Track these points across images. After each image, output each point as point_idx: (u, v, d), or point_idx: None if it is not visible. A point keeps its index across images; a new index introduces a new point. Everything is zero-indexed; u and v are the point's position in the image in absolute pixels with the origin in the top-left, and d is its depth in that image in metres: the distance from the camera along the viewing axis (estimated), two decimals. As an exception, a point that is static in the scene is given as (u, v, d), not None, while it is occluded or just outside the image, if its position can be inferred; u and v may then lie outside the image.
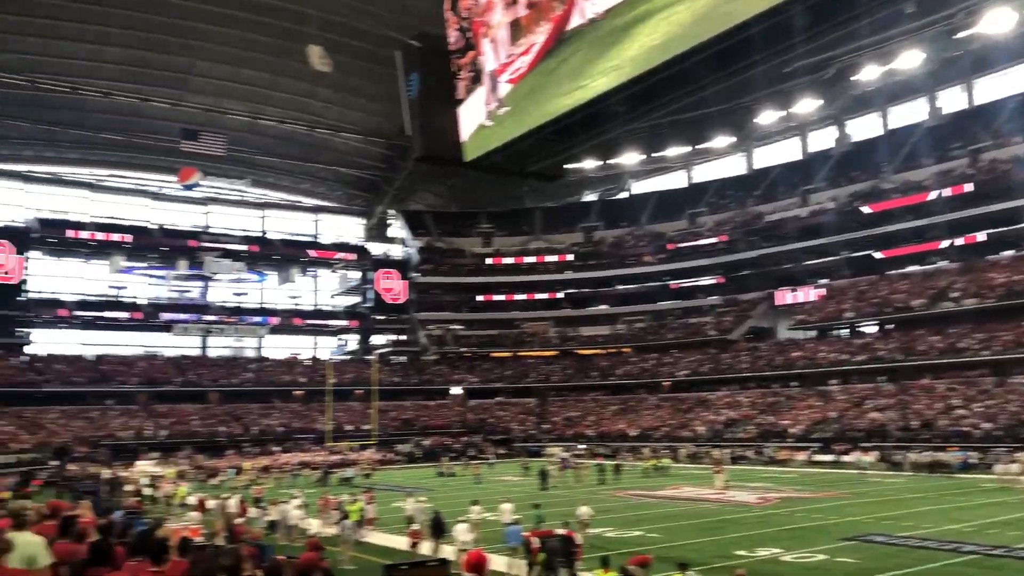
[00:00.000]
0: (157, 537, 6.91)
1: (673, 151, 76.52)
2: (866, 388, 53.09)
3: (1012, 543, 18.96)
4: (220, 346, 72.85)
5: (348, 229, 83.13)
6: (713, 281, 71.94)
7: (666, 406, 62.75)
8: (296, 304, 77.17)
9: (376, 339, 78.32)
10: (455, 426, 65.58)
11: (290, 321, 74.85)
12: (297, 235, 78.81)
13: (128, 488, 34.12)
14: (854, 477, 37.77)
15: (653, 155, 77.33)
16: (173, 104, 62.35)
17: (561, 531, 17.17)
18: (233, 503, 24.13)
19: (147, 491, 33.64)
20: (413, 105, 20.54)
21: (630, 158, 76.33)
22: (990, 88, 61.92)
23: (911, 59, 57.01)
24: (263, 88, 64.41)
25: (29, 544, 5.74)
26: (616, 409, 65.36)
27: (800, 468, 43.99)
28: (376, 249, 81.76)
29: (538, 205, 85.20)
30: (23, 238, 63.77)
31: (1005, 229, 54.20)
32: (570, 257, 77.36)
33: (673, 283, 73.69)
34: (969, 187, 54.84)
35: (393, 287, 77.06)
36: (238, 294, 72.86)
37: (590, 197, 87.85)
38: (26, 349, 63.41)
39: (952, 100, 63.76)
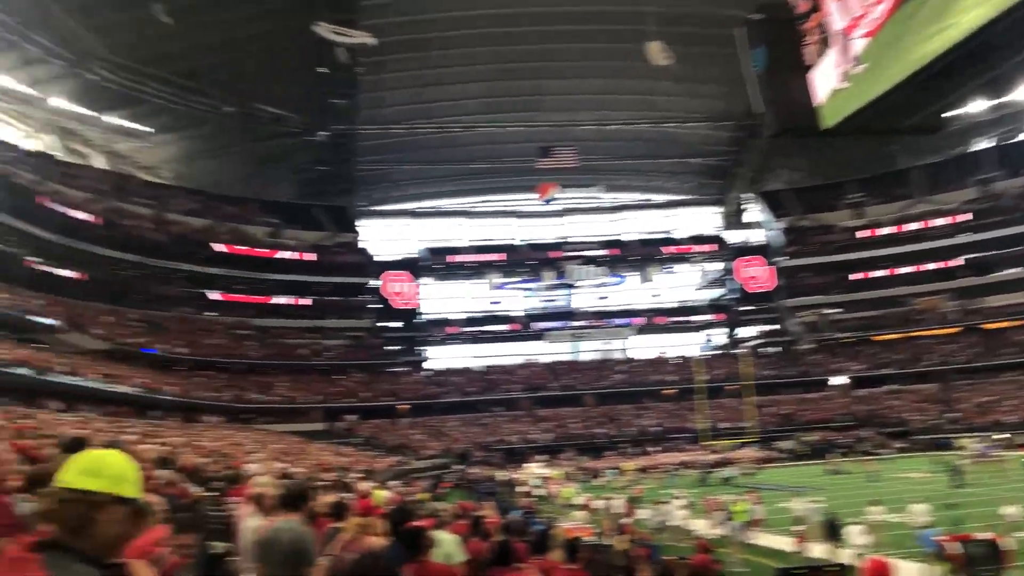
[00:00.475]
0: (560, 536, 7.31)
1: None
2: None
3: None
4: (590, 350, 75.75)
5: (703, 220, 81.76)
6: None
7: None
8: (657, 303, 77.41)
9: (744, 331, 75.52)
10: (839, 419, 60.17)
11: (653, 320, 75.65)
12: (652, 233, 79.56)
13: (520, 489, 36.27)
14: None
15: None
16: (527, 126, 67.14)
17: (984, 535, 14.69)
18: (618, 503, 24.42)
19: (537, 492, 35.50)
20: (761, 80, 19.15)
21: (1027, 92, 64.60)
22: None
23: None
24: (607, 94, 66.00)
25: (446, 542, 6.32)
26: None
27: None
28: (734, 237, 79.18)
29: (915, 164, 75.54)
30: (416, 267, 73.05)
31: None
32: (965, 217, 67.41)
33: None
34: None
35: (757, 274, 73.96)
36: (601, 298, 75.56)
37: (981, 145, 75.78)
38: (424, 365, 71.96)
39: None
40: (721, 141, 74.30)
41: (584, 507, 26.28)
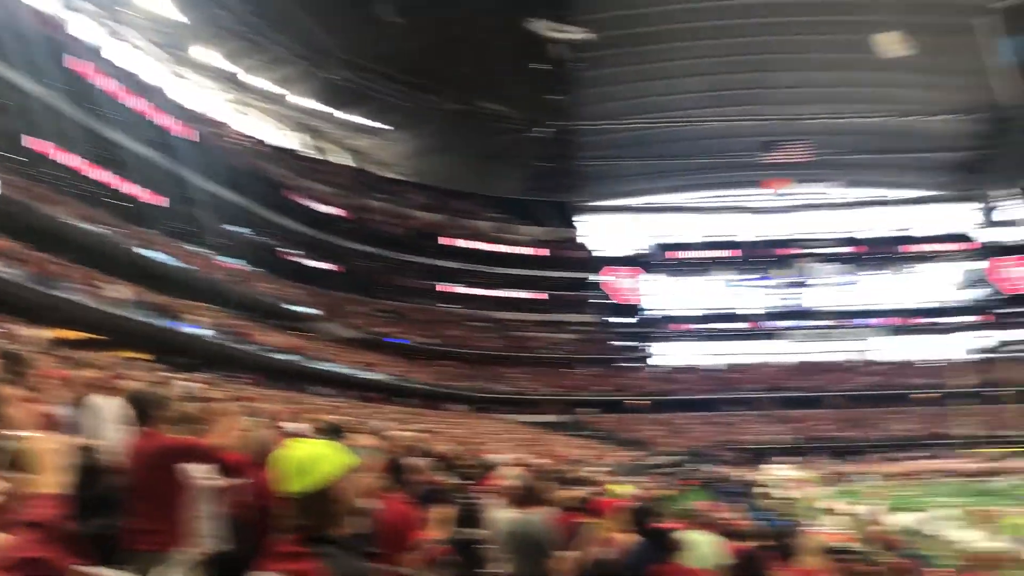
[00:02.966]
0: (815, 542, 6.89)
1: None
2: None
3: None
4: (834, 350, 70.98)
5: (948, 217, 74.34)
6: None
7: None
8: (901, 303, 71.44)
9: (1007, 334, 67.25)
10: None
11: (901, 320, 69.96)
12: (893, 231, 73.94)
13: (758, 491, 34.56)
14: None
15: None
16: (754, 119, 64.07)
17: None
18: (874, 510, 22.98)
19: (778, 494, 33.62)
20: (1010, 71, 17.24)
21: None
22: None
23: None
24: (840, 87, 62.65)
25: (702, 543, 5.95)
26: None
27: None
28: (987, 235, 71.84)
29: None
30: (644, 263, 73.09)
31: None
32: None
33: None
34: None
35: (1017, 275, 66.24)
36: (841, 297, 71.41)
37: None
38: (652, 361, 71.23)
39: None
40: (970, 134, 66.90)
41: (830, 511, 24.90)
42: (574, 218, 75.80)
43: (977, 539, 20.04)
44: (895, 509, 23.26)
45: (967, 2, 38.46)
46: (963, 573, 9.77)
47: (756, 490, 34.16)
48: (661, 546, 4.90)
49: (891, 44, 26.34)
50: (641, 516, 5.38)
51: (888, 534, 16.16)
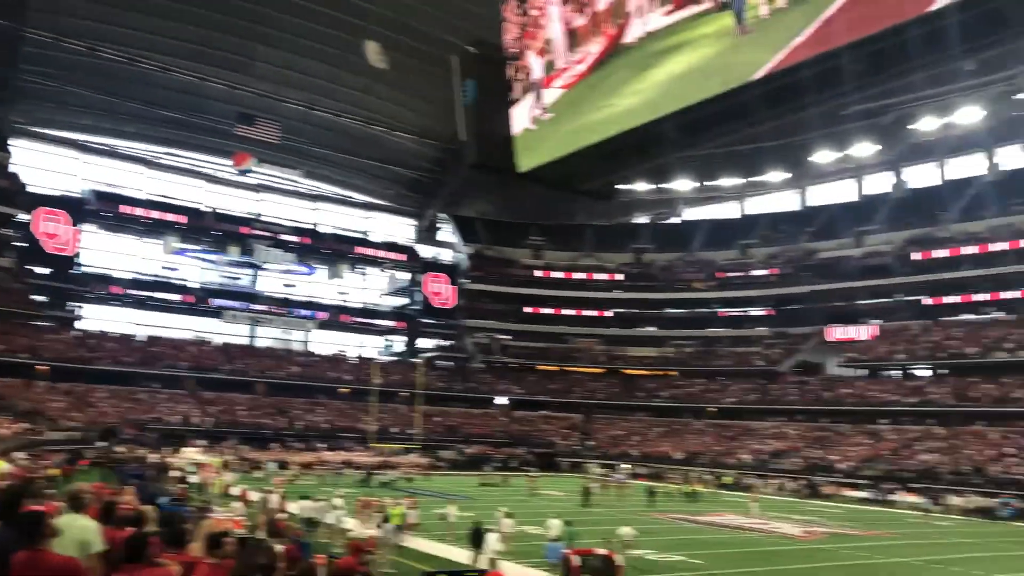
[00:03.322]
0: (206, 528, 6.99)
1: (727, 181, 76.28)
2: (916, 430, 52.32)
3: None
4: (267, 336, 73.83)
5: (398, 229, 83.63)
6: (763, 312, 71.54)
7: (711, 432, 62.45)
8: (344, 300, 77.36)
9: (422, 342, 78.91)
10: (499, 436, 65.78)
11: (337, 317, 75.00)
12: (348, 231, 78.93)
13: (173, 475, 34.26)
14: (901, 517, 37.26)
15: (706, 183, 77.15)
16: (232, 87, 62.91)
17: (602, 551, 17.38)
18: (275, 497, 24.22)
19: (192, 479, 33.84)
20: (468, 112, 20.76)
21: (683, 184, 76.35)
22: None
23: (970, 114, 56.91)
24: (322, 80, 64.39)
25: (84, 529, 5.38)
26: (661, 431, 65.19)
27: (847, 504, 43.47)
28: (426, 252, 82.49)
29: (590, 223, 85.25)
30: (78, 209, 63.67)
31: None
32: (620, 277, 77.37)
33: (722, 311, 73.46)
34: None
35: (441, 291, 77.73)
36: (287, 285, 73.49)
37: (642, 219, 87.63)
38: (77, 324, 64.13)
39: (1011, 158, 62.65)
40: (427, 157, 77.02)
41: (241, 498, 25.77)
42: (9, 141, 63.62)
43: (358, 527, 23.20)
44: (298, 497, 24.51)
45: (448, 39, 44.53)
46: (340, 559, 10.68)
47: (171, 474, 33.94)
48: (27, 531, 4.47)
49: (374, 54, 28.98)
50: (9, 498, 4.91)
51: (283, 521, 17.88)
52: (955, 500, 40.69)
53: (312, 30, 58.80)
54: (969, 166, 65.69)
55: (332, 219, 79.99)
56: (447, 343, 78.25)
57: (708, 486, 47.75)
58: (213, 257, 70.52)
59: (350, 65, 61.26)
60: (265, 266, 71.77)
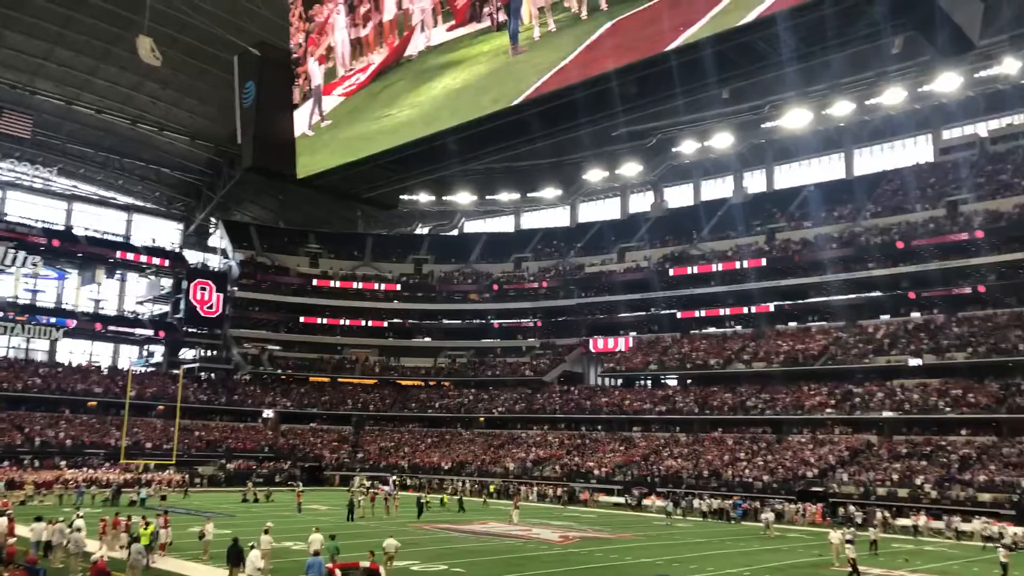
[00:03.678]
0: None
1: (505, 196, 79.70)
2: (664, 436, 56.86)
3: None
4: (6, 346, 66.23)
5: (165, 233, 78.47)
6: (533, 324, 74.56)
7: (480, 441, 64.00)
8: (99, 308, 71.49)
9: (185, 353, 74.19)
10: (265, 450, 63.29)
11: (90, 325, 68.62)
12: (107, 233, 72.90)
13: None
14: (649, 520, 40.27)
15: (486, 197, 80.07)
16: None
17: (366, 563, 17.47)
18: (3, 521, 22.07)
19: None
20: (247, 114, 20.13)
21: (464, 197, 78.68)
22: (788, 175, 69.37)
23: (723, 140, 63.56)
24: (83, 73, 59.79)
25: None
26: (432, 441, 65.83)
27: (600, 509, 46.29)
28: (193, 257, 77.99)
29: (370, 231, 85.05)
30: None
31: (791, 303, 60.36)
32: (398, 287, 77.43)
33: (496, 322, 75.73)
34: (764, 262, 60.48)
35: (208, 299, 73.50)
36: (32, 291, 66.40)
37: (422, 230, 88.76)
38: None
39: (756, 182, 70.70)
40: (198, 160, 73.65)
41: None
42: None
43: (102, 549, 21.49)
44: (33, 519, 22.88)
45: (230, 39, 42.64)
46: None
47: None
48: None
49: (146, 50, 26.91)
50: None
51: (11, 546, 16.29)
52: (696, 503, 44.65)
53: (73, 19, 54.10)
54: (721, 188, 73.06)
55: (89, 221, 73.22)
56: (212, 354, 74.12)
57: (479, 495, 48.99)
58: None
59: (116, 59, 57.08)
60: (7, 269, 64.05)
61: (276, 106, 19.39)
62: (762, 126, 62.66)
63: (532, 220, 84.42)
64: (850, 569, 22.46)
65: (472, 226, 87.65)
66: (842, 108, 56.94)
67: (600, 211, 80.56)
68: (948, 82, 52.59)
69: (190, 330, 72.68)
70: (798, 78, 51.00)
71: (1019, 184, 53.26)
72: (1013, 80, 52.59)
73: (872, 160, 65.08)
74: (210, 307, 73.22)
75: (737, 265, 61.94)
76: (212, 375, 72.89)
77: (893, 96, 54.49)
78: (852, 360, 52.51)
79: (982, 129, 59.62)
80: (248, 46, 20.20)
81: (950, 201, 54.80)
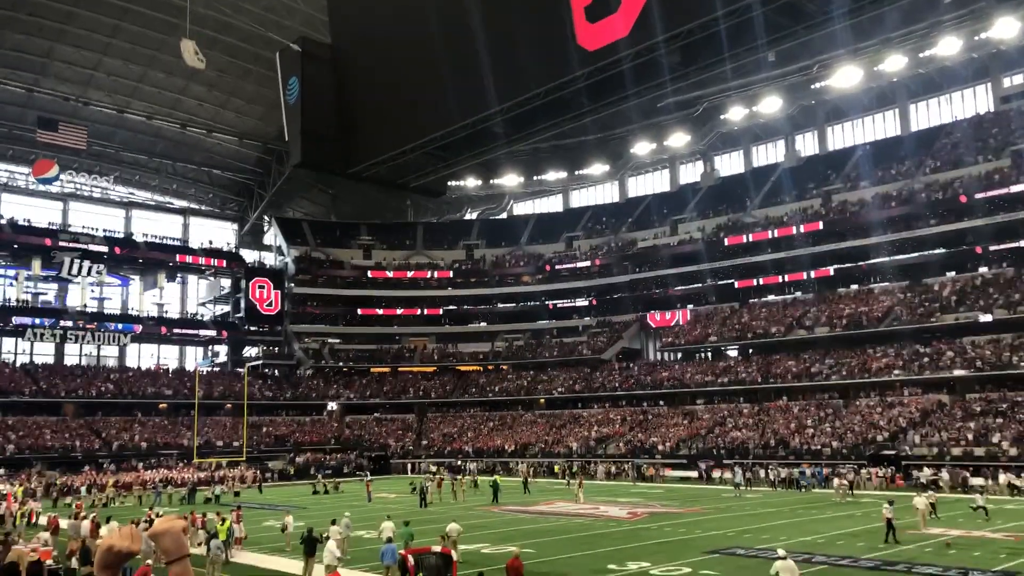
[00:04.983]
0: (18, 559, 6.45)
1: (552, 175, 79.24)
2: (728, 408, 56.20)
3: (859, 554, 20.72)
4: (79, 354, 68.53)
5: (220, 234, 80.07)
6: (588, 303, 74.20)
7: (542, 422, 64.12)
8: (163, 311, 73.26)
9: (248, 351, 75.87)
10: (331, 442, 64.49)
11: (156, 329, 70.43)
12: (165, 238, 74.26)
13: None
14: (717, 492, 39.90)
15: (533, 178, 79.74)
16: (28, 89, 58.85)
17: (437, 548, 17.64)
18: (87, 524, 23.00)
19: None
20: (292, 110, 20.33)
21: (511, 180, 78.48)
22: (841, 135, 67.42)
23: (772, 104, 62.07)
24: (132, 80, 61.52)
25: None
26: (494, 425, 66.16)
27: (668, 484, 46.03)
28: (250, 256, 79.55)
29: (420, 220, 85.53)
30: None
31: (851, 265, 58.84)
32: (451, 274, 77.83)
33: (550, 303, 75.59)
34: (821, 225, 59.09)
35: (267, 297, 74.90)
36: (99, 298, 68.43)
37: (472, 215, 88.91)
38: None
39: (808, 144, 68.88)
40: (248, 159, 75.01)
41: (49, 527, 24.40)
42: None
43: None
44: (108, 520, 23.47)
45: (268, 35, 43.28)
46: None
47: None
48: None
49: (191, 54, 27.10)
50: None
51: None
52: (767, 473, 44.05)
53: (119, 28, 55.66)
54: (772, 153, 71.50)
55: (147, 226, 74.95)
56: (274, 350, 75.66)
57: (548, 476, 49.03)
58: (12, 272, 64.30)
59: (163, 64, 58.43)
60: (74, 279, 66.10)
61: (321, 101, 19.62)
62: (812, 87, 61.05)
63: (581, 198, 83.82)
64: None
65: (521, 208, 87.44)
66: (895, 63, 55.13)
67: (649, 184, 79.56)
68: (1006, 28, 50.49)
69: (251, 328, 74.21)
70: (848, 35, 49.49)
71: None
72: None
73: (928, 114, 62.87)
74: (269, 304, 74.62)
75: (793, 230, 60.65)
76: (276, 371, 74.41)
77: (949, 46, 52.56)
78: (918, 320, 51.02)
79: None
80: (289, 42, 20.45)
81: (1014, 150, 52.70)
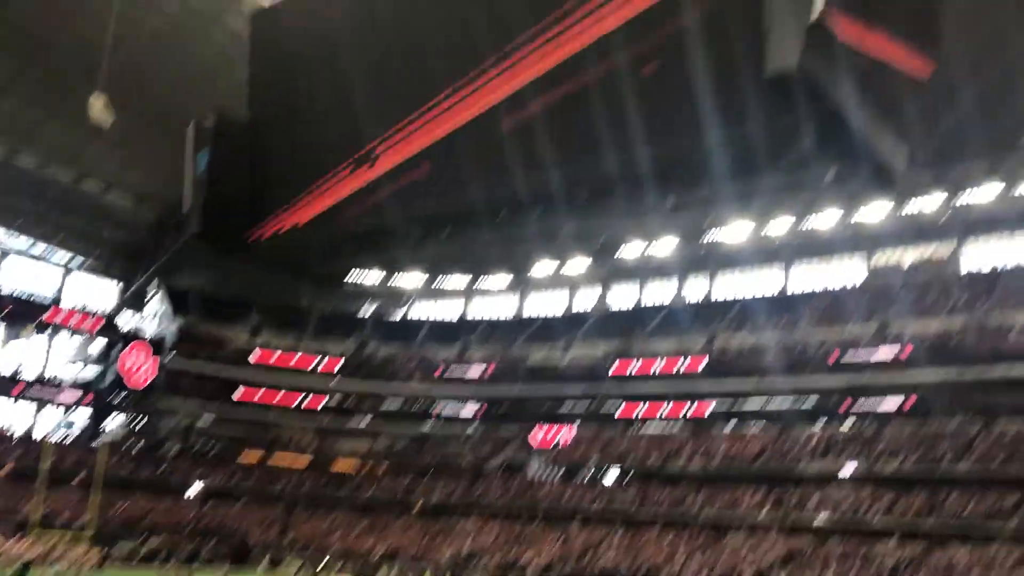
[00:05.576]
0: None
1: (455, 280, 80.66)
2: (602, 531, 56.86)
3: None
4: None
5: (101, 294, 76.41)
6: (474, 412, 74.34)
7: (415, 528, 62.66)
8: (20, 368, 68.22)
9: (112, 421, 71.16)
10: (189, 527, 60.51)
11: (7, 389, 65.72)
12: (34, 296, 70.38)
13: None
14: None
15: (436, 280, 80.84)
16: None
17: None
18: None
19: None
20: (199, 179, 20.55)
21: (414, 278, 79.38)
22: (729, 283, 72.28)
23: (668, 244, 66.40)
24: (29, 125, 59.18)
25: None
26: (365, 526, 64.03)
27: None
28: (129, 321, 75.92)
29: (314, 307, 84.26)
30: None
31: (728, 406, 62.13)
32: (339, 366, 76.55)
33: (437, 408, 75.22)
34: (702, 365, 62.52)
35: (140, 366, 71.10)
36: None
37: (368, 309, 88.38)
38: None
39: (698, 287, 73.30)
40: (144, 222, 72.74)
41: None
42: None
43: None
44: None
45: (185, 102, 43.12)
46: None
47: None
48: None
49: (101, 109, 26.29)
50: None
51: None
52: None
53: (21, 69, 53.78)
54: (663, 290, 75.38)
55: (23, 275, 70.67)
56: (139, 423, 71.35)
57: None
58: None
59: (68, 114, 56.62)
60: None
61: (230, 174, 19.87)
62: (705, 235, 65.71)
63: (480, 307, 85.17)
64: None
65: (420, 308, 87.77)
66: (781, 225, 60.50)
67: (548, 302, 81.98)
68: (877, 210, 56.73)
69: (118, 397, 70.00)
70: (739, 193, 54.01)
71: (940, 310, 56.93)
72: (934, 214, 57.09)
73: (809, 275, 68.46)
74: (141, 374, 70.89)
75: (678, 365, 63.74)
76: (138, 446, 69.88)
77: (828, 218, 58.31)
78: (787, 464, 54.10)
79: (907, 257, 63.61)
80: (206, 111, 20.84)
81: (880, 320, 58.02)
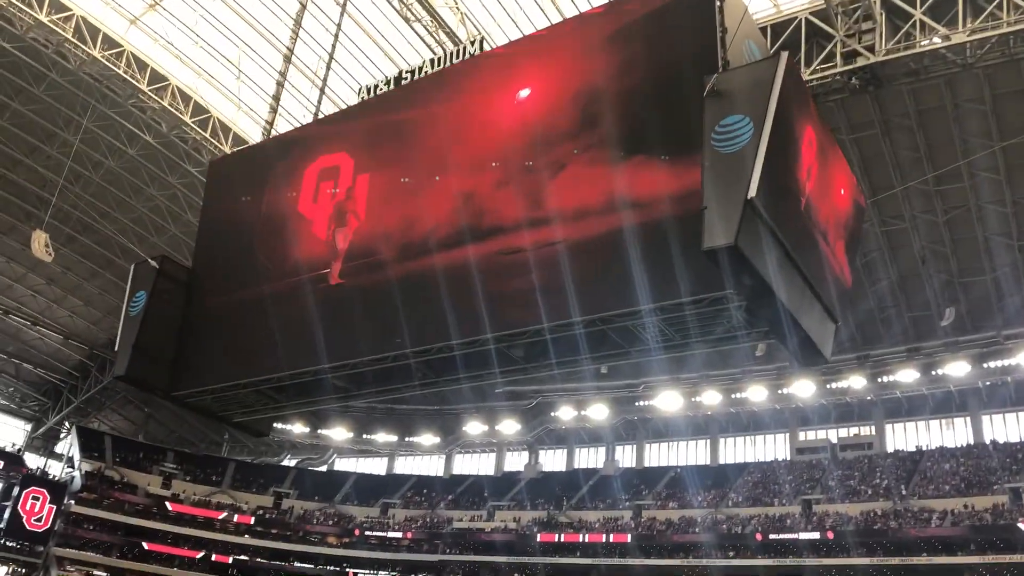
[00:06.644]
0: None
1: (381, 437, 78.85)
2: None
3: None
4: None
5: (7, 432, 72.87)
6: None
7: None
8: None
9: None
10: None
11: None
12: None
13: None
14: None
15: (362, 436, 78.85)
16: None
17: None
18: None
19: None
20: (131, 322, 20.19)
21: (339, 433, 77.25)
22: (658, 454, 72.12)
23: (599, 411, 66.42)
24: None
25: None
26: None
27: None
28: (36, 462, 71.97)
29: (234, 457, 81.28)
30: None
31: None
32: (253, 520, 72.68)
33: (352, 571, 71.27)
34: (629, 538, 60.94)
35: (39, 511, 66.58)
36: None
37: (290, 461, 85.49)
38: None
39: (627, 456, 72.98)
40: (67, 361, 71.01)
41: None
42: None
43: None
44: None
45: (128, 245, 43.10)
46: None
47: None
48: None
49: (40, 245, 25.77)
50: None
51: None
52: None
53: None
54: (593, 458, 74.62)
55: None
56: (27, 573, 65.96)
57: None
58: None
59: (5, 248, 56.24)
60: None
61: (163, 319, 19.43)
62: (636, 403, 65.90)
63: (406, 465, 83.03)
64: None
65: (343, 463, 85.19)
66: (711, 397, 61.11)
67: (475, 465, 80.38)
68: (804, 388, 57.80)
69: (7, 543, 65.03)
70: (671, 364, 55.07)
71: (865, 491, 57.09)
72: (859, 395, 58.43)
73: (737, 450, 68.67)
74: (38, 520, 66.21)
75: (603, 538, 62.01)
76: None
77: (756, 393, 59.12)
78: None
79: (833, 435, 64.49)
80: (149, 257, 20.64)
81: (805, 500, 57.79)
